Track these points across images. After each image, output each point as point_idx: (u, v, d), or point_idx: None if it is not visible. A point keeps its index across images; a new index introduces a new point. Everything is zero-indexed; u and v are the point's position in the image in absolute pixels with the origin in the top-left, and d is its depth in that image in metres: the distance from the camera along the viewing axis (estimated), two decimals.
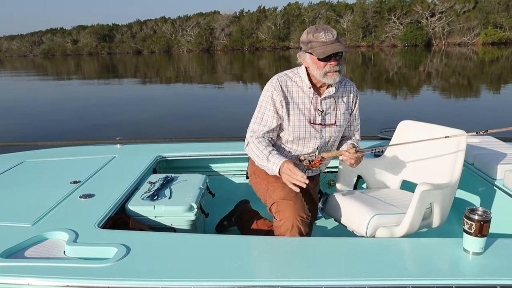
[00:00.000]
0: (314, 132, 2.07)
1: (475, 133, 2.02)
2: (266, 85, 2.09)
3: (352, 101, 2.18)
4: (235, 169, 3.00)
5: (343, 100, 2.13)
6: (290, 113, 2.04)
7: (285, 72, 2.12)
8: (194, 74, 23.61)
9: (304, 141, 2.08)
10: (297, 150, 2.11)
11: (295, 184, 1.83)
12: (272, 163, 1.92)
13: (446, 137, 2.00)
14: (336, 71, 1.94)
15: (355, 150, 1.94)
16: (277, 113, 2.03)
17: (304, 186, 1.81)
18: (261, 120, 2.05)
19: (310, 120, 2.05)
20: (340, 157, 2.00)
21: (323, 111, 2.07)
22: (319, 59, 1.91)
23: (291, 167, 1.85)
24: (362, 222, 1.91)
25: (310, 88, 2.03)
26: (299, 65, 2.10)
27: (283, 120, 2.04)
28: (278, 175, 1.93)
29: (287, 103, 2.03)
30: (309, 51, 1.94)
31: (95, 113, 10.05)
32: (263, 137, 2.04)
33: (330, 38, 1.89)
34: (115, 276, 1.36)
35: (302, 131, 2.06)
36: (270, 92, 2.05)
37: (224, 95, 13.28)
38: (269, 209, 2.00)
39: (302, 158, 2.05)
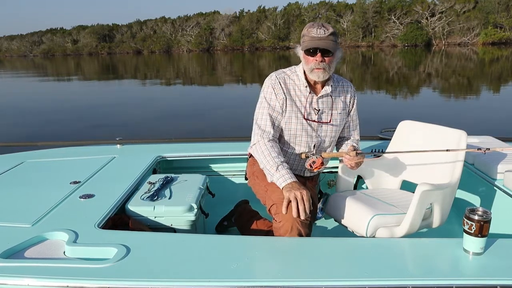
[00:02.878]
0: (310, 130, 2.08)
1: (476, 149, 2.05)
2: (265, 82, 2.10)
3: (350, 101, 2.19)
4: (235, 170, 2.99)
5: (340, 100, 2.14)
6: (288, 109, 2.05)
7: (283, 70, 2.13)
8: (194, 74, 23.60)
9: (301, 139, 2.09)
10: (294, 148, 2.11)
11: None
12: (281, 175, 1.86)
13: (447, 150, 2.01)
14: (321, 68, 1.96)
15: (356, 152, 1.94)
16: (281, 108, 2.04)
17: (305, 212, 1.75)
18: (269, 116, 2.03)
19: (306, 117, 2.06)
20: (340, 158, 2.00)
21: (319, 109, 2.08)
22: (305, 53, 1.96)
23: (300, 188, 1.78)
24: (362, 222, 1.91)
25: (306, 87, 2.05)
26: (297, 63, 2.11)
27: (283, 116, 2.05)
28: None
29: (285, 100, 2.04)
30: (300, 45, 1.99)
31: (95, 113, 10.05)
32: (274, 140, 2.02)
33: (320, 34, 1.90)
34: (115, 276, 1.36)
35: (299, 129, 2.07)
36: (271, 88, 2.06)
37: (224, 95, 13.27)
38: (269, 210, 1.99)
39: (303, 156, 2.05)
